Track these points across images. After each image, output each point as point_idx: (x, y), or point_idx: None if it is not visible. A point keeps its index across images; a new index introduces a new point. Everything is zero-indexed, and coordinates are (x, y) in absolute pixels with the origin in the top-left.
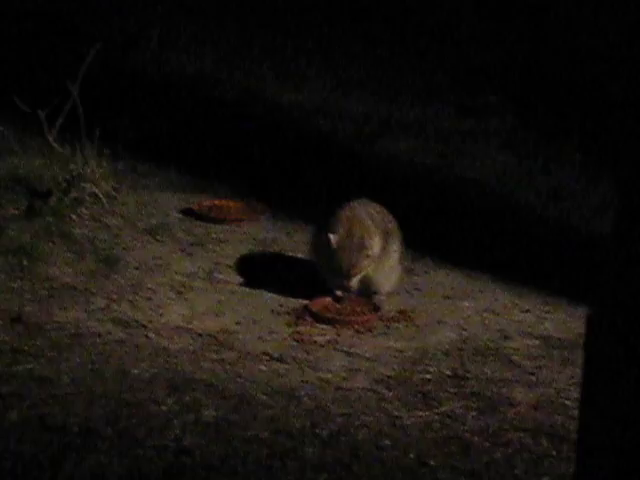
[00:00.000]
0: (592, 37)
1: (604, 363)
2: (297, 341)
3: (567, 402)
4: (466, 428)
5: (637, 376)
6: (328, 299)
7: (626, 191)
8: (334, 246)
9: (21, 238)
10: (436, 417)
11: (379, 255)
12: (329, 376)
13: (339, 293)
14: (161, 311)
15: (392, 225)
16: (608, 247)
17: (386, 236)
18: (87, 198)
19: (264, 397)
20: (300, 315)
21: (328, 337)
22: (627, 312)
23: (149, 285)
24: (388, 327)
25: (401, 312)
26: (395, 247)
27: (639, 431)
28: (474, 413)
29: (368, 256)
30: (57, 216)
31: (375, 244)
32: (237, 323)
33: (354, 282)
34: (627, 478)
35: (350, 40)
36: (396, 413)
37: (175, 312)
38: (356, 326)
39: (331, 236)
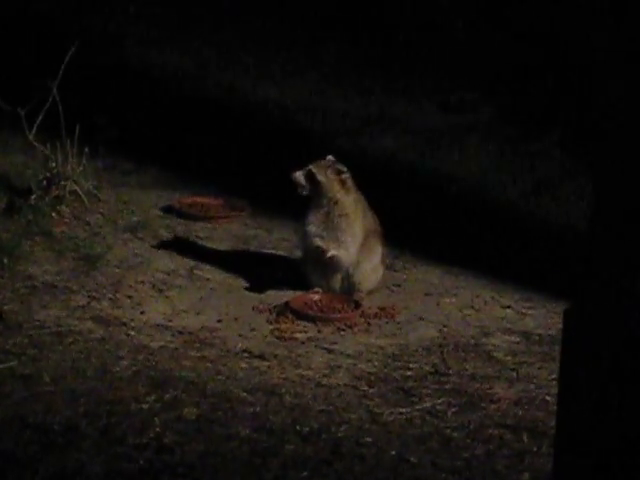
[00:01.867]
0: (571, 32)
1: (581, 358)
2: (278, 338)
3: (548, 398)
4: (447, 424)
5: (614, 371)
6: (309, 296)
7: (601, 187)
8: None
9: (1, 236)
10: (417, 413)
11: (360, 251)
12: (310, 373)
13: (316, 290)
14: (142, 309)
15: (375, 223)
16: (584, 243)
17: (370, 233)
18: (67, 196)
19: (245, 394)
20: (281, 312)
21: (309, 334)
22: (603, 307)
23: (130, 283)
24: (369, 324)
25: (382, 309)
26: (377, 248)
27: (616, 426)
28: (455, 409)
29: (342, 176)
30: (37, 214)
31: (350, 181)
32: (218, 320)
33: (300, 176)
34: (604, 473)
35: (332, 37)
36: (377, 409)
37: (156, 310)
38: (337, 323)
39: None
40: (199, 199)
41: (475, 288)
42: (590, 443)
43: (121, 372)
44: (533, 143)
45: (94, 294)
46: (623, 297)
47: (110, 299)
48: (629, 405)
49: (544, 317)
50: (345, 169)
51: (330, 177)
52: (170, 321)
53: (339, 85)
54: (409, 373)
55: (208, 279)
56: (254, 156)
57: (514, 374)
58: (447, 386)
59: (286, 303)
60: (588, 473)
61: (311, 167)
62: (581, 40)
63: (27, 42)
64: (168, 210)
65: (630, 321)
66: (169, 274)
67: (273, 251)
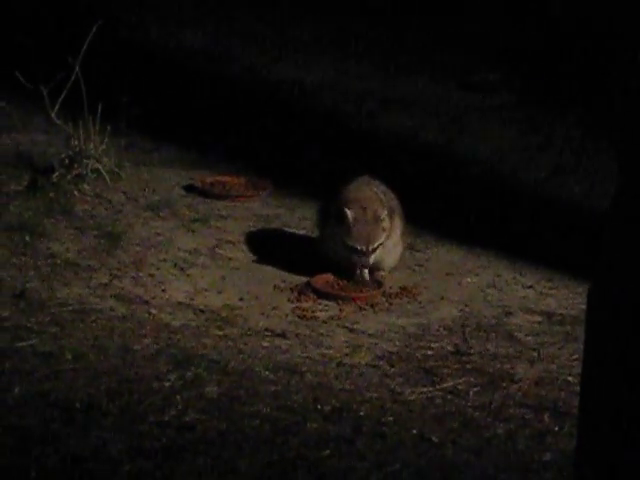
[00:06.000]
0: (592, 12)
1: (604, 338)
2: (299, 317)
3: (569, 378)
4: (468, 404)
5: (638, 352)
6: (330, 275)
7: (626, 166)
8: (351, 221)
9: (23, 214)
10: (438, 393)
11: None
12: (331, 352)
13: (360, 272)
14: (164, 287)
15: (394, 202)
16: (607, 223)
17: (390, 212)
18: (89, 174)
19: (266, 373)
20: (302, 291)
21: (330, 313)
22: (626, 287)
23: (152, 261)
24: (390, 303)
25: (403, 288)
26: (397, 224)
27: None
28: (476, 389)
29: (384, 229)
30: (59, 192)
31: (387, 216)
32: (240, 299)
33: (373, 257)
34: (628, 454)
35: (351, 17)
36: (398, 389)
37: (178, 288)
38: (358, 302)
39: (348, 211)
40: (221, 178)
41: (497, 268)
42: (614, 424)
43: (143, 350)
44: (554, 123)
45: (116, 272)
46: None
47: (132, 277)
48: None
49: (566, 297)
50: (383, 213)
51: (389, 221)
52: (192, 300)
53: (360, 65)
54: (430, 353)
55: (230, 258)
56: (276, 135)
57: (535, 354)
58: (468, 366)
59: (308, 282)
60: (612, 454)
61: (378, 243)
62: (603, 19)
63: (50, 20)
64: (190, 189)
65: None
66: (191, 253)
67: (295, 230)
